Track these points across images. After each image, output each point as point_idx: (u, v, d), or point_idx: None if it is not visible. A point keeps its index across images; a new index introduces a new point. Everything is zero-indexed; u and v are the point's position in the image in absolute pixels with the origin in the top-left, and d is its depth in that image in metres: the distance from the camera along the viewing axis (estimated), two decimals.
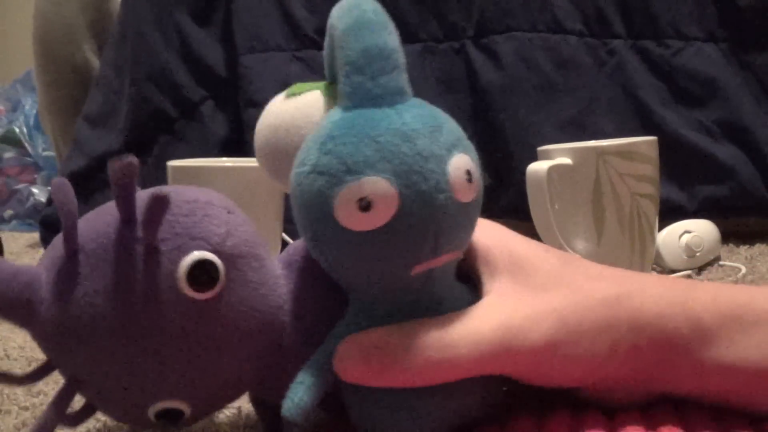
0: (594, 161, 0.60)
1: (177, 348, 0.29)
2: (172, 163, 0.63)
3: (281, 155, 0.37)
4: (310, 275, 0.33)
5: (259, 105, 0.98)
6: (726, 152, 0.85)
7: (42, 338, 0.30)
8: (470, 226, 0.30)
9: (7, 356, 0.51)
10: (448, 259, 0.29)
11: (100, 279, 0.29)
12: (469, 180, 0.29)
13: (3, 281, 0.29)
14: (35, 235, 1.07)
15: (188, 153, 0.79)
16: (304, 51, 0.89)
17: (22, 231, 1.32)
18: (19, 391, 0.43)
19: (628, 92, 0.86)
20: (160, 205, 0.28)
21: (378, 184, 0.27)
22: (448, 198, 0.28)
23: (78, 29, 1.02)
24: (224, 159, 0.70)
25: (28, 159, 1.47)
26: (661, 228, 0.69)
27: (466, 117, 0.87)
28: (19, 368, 0.48)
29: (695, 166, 0.85)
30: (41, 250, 0.95)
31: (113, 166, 0.27)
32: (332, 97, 0.35)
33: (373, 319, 0.30)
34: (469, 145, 0.30)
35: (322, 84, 0.37)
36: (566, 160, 0.61)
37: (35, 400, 0.42)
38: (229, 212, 0.34)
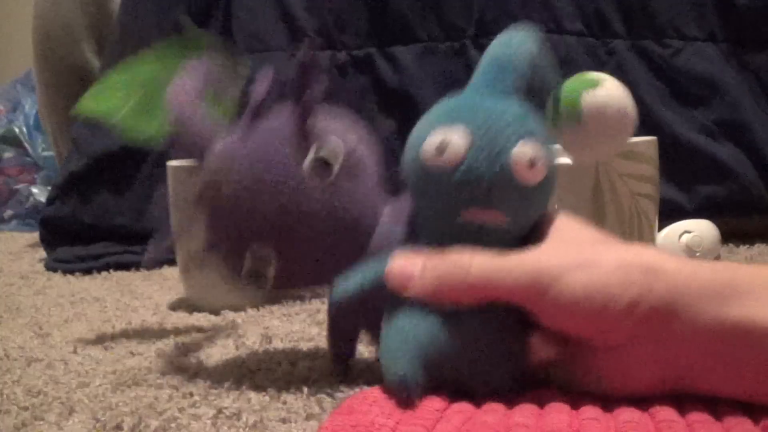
0: (594, 161, 0.60)
1: (291, 218, 0.37)
2: (172, 163, 0.63)
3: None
4: (405, 205, 0.40)
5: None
6: (726, 152, 0.85)
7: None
8: (523, 204, 0.35)
9: (7, 356, 0.51)
10: (493, 216, 0.35)
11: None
12: (531, 166, 0.35)
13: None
14: (35, 235, 1.07)
15: None
16: None
17: (22, 231, 1.32)
18: (19, 391, 0.43)
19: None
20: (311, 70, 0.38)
21: (457, 132, 0.35)
22: (507, 167, 0.34)
23: (78, 29, 1.02)
24: None
25: (28, 159, 1.47)
26: (661, 228, 0.69)
27: None
28: (19, 368, 0.48)
29: (695, 166, 0.85)
30: (41, 250, 0.95)
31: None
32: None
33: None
34: (541, 133, 0.36)
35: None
36: (566, 160, 0.61)
37: (35, 400, 0.42)
38: (361, 144, 0.42)
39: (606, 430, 0.30)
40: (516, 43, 0.40)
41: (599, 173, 0.60)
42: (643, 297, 0.32)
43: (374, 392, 0.36)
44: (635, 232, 0.61)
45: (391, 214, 0.41)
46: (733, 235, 0.83)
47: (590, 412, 0.32)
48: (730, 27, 0.86)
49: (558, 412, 0.32)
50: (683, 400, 0.32)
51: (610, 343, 0.33)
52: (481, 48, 0.88)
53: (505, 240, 0.36)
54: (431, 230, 0.37)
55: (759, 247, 0.82)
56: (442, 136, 0.35)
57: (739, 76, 0.86)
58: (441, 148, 0.35)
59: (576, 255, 0.34)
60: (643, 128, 0.84)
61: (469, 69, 0.89)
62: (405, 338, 0.35)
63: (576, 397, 0.34)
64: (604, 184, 0.60)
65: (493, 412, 0.33)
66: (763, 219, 0.86)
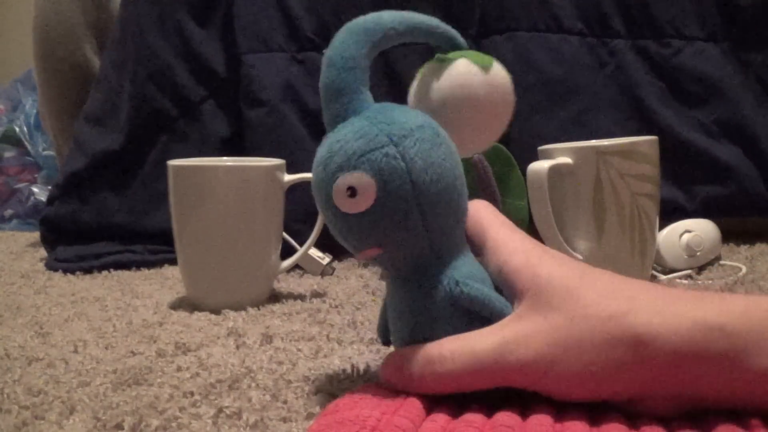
0: (594, 161, 0.60)
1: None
2: (172, 162, 0.63)
3: None
4: None
5: (262, 105, 0.99)
6: (726, 152, 0.85)
7: None
8: (366, 231, 0.36)
9: (8, 356, 0.51)
10: (369, 254, 0.37)
11: None
12: (351, 195, 0.35)
13: None
14: (35, 235, 1.07)
15: (188, 153, 0.79)
16: (304, 53, 0.89)
17: (22, 230, 1.32)
18: (19, 391, 0.43)
19: (628, 92, 0.86)
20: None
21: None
22: (334, 213, 0.36)
23: (78, 29, 1.02)
24: (224, 159, 0.70)
25: (29, 158, 1.47)
26: (661, 228, 0.69)
27: None
28: (19, 368, 0.48)
29: (695, 166, 0.85)
30: (42, 250, 0.95)
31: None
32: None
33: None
34: (378, 156, 0.35)
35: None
36: (567, 160, 0.61)
37: (36, 399, 0.42)
38: None
39: (589, 430, 0.30)
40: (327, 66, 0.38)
41: (600, 173, 0.60)
42: (637, 372, 0.30)
43: (360, 391, 0.36)
44: (636, 231, 0.61)
45: None
46: (733, 234, 0.83)
47: (573, 415, 0.32)
48: (730, 27, 0.86)
49: (542, 412, 0.32)
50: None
51: (617, 399, 0.32)
52: (482, 48, 0.88)
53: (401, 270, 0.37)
54: None
55: (759, 247, 0.82)
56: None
57: (740, 76, 0.86)
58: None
59: (560, 335, 0.31)
60: (643, 128, 0.84)
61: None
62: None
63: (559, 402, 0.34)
64: (605, 183, 0.60)
65: (479, 410, 0.33)
66: (763, 219, 0.86)
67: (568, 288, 0.32)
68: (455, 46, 0.49)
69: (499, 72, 0.51)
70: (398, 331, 0.38)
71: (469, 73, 0.46)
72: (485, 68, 0.47)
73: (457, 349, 0.33)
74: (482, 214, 0.38)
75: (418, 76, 0.55)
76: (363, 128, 0.36)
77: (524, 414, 0.33)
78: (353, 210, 0.35)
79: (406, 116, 0.37)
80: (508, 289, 0.35)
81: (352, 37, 0.39)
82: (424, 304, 0.36)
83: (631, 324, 0.30)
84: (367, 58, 0.39)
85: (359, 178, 0.35)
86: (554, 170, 0.60)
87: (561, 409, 0.33)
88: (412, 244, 0.36)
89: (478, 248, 0.38)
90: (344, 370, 0.44)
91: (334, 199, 0.36)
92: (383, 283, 0.70)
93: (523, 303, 0.33)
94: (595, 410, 0.32)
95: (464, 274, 0.36)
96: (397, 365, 0.35)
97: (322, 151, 0.37)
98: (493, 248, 0.36)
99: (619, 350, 0.30)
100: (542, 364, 0.31)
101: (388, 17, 0.41)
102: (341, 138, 0.36)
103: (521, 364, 0.32)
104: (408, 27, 0.42)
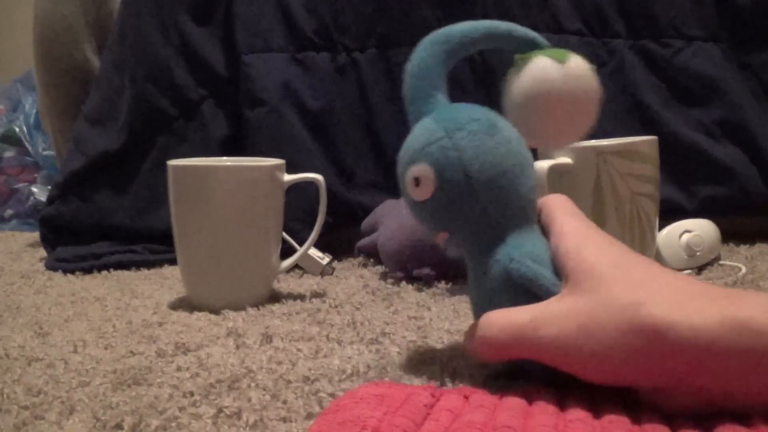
0: (594, 161, 0.60)
1: None
2: (172, 162, 0.63)
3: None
4: None
5: (263, 104, 0.99)
6: (726, 152, 0.85)
7: None
8: (434, 216, 0.41)
9: (8, 356, 0.51)
10: (442, 238, 0.42)
11: None
12: (417, 185, 0.40)
13: None
14: (35, 235, 1.07)
15: (188, 152, 0.79)
16: (304, 53, 0.89)
17: (22, 230, 1.32)
18: (19, 390, 0.43)
19: (628, 92, 0.86)
20: None
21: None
22: (409, 200, 0.42)
23: (78, 29, 1.02)
24: (224, 159, 0.70)
25: (28, 158, 1.47)
26: (661, 227, 0.69)
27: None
28: (19, 368, 0.48)
29: (695, 166, 0.85)
30: (41, 250, 0.95)
31: None
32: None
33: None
34: (436, 150, 0.40)
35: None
36: (567, 160, 0.61)
37: (35, 399, 0.42)
38: None
39: (591, 430, 0.30)
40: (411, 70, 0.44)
41: (600, 173, 0.60)
42: (655, 362, 0.31)
43: (360, 391, 0.36)
44: (636, 231, 0.61)
45: None
46: (733, 234, 0.83)
47: (576, 413, 0.32)
48: (730, 27, 0.86)
49: (544, 413, 0.32)
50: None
51: (641, 389, 0.33)
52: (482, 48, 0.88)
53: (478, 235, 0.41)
54: None
55: (759, 247, 0.82)
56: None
57: (740, 76, 0.86)
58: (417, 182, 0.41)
59: (586, 318, 0.33)
60: (644, 128, 0.84)
61: (469, 70, 0.89)
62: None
63: (562, 396, 0.34)
64: (605, 183, 0.60)
65: (481, 408, 0.33)
66: (763, 219, 0.86)
67: (602, 275, 0.34)
68: (536, 47, 0.50)
69: (577, 64, 0.50)
70: (472, 306, 0.43)
71: (545, 68, 0.47)
72: (561, 61, 0.48)
73: (498, 319, 0.37)
74: (554, 202, 0.42)
75: (506, 80, 0.55)
76: (427, 125, 0.42)
77: (526, 411, 0.33)
78: (420, 198, 0.41)
79: (465, 112, 0.42)
80: (560, 271, 0.38)
81: (426, 50, 0.44)
82: (485, 279, 0.40)
83: (649, 314, 0.31)
84: (444, 66, 0.44)
85: (421, 168, 0.40)
86: (554, 170, 0.60)
87: (564, 407, 0.33)
88: (474, 226, 0.40)
89: (547, 234, 0.41)
90: (344, 370, 0.44)
91: (407, 189, 0.41)
92: (383, 283, 0.70)
93: (567, 285, 0.36)
94: (597, 409, 0.32)
95: (522, 252, 0.39)
96: (468, 333, 0.40)
97: (401, 149, 0.43)
98: (554, 233, 0.40)
99: (637, 339, 0.31)
100: (567, 343, 0.33)
101: (461, 27, 0.46)
102: (412, 136, 0.42)
103: (548, 340, 0.34)
104: (484, 33, 0.47)
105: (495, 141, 0.40)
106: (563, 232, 0.39)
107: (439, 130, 0.41)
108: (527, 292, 0.38)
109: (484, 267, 0.41)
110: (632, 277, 0.34)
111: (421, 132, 0.41)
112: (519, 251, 0.39)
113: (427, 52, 0.44)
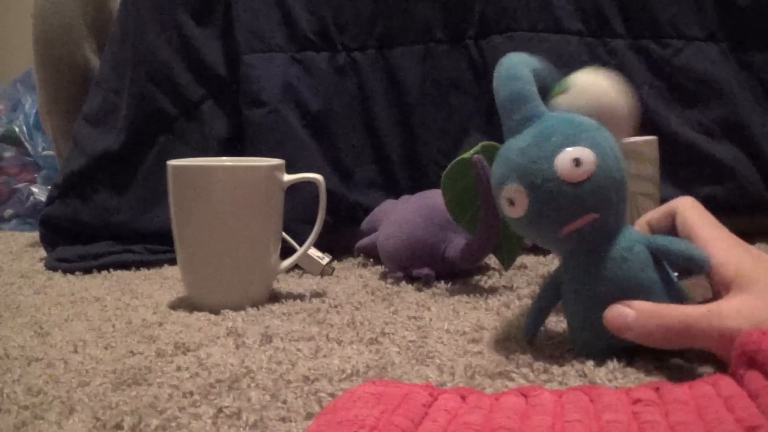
0: None
1: None
2: (172, 162, 0.63)
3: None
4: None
5: (263, 104, 0.99)
6: (726, 152, 0.85)
7: None
8: (589, 198, 0.43)
9: (7, 356, 0.51)
10: (586, 221, 0.43)
11: None
12: (577, 165, 0.42)
13: None
14: (35, 235, 1.07)
15: (188, 153, 0.79)
16: (303, 53, 0.89)
17: (22, 230, 1.32)
18: (19, 390, 0.43)
19: None
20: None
21: (516, 189, 0.43)
22: (557, 184, 0.42)
23: (78, 29, 1.02)
24: (224, 159, 0.70)
25: (28, 158, 1.47)
26: None
27: (481, 117, 0.87)
28: (19, 368, 0.48)
29: (695, 166, 0.85)
30: (41, 250, 0.95)
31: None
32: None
33: (566, 267, 0.46)
34: (589, 137, 0.43)
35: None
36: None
37: (35, 399, 0.42)
38: None
39: (589, 430, 0.30)
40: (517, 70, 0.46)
41: None
42: None
43: (358, 390, 0.36)
44: None
45: None
46: None
47: (574, 414, 0.32)
48: (730, 27, 0.86)
49: (541, 413, 0.32)
50: (669, 402, 0.32)
51: None
52: (482, 49, 0.88)
53: (605, 225, 0.44)
54: (559, 252, 0.47)
55: (759, 247, 0.81)
56: (508, 193, 0.44)
57: (739, 76, 0.86)
58: (509, 202, 0.44)
59: (755, 314, 0.39)
60: (643, 128, 0.84)
61: (470, 70, 0.89)
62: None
63: (560, 397, 0.34)
64: None
65: (478, 409, 0.33)
66: (763, 219, 0.86)
67: (759, 279, 0.40)
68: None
69: (580, 83, 0.53)
70: (583, 300, 0.45)
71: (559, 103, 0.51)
72: (565, 91, 0.52)
73: (673, 309, 0.41)
74: (690, 213, 0.46)
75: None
76: (569, 118, 0.44)
77: (524, 411, 0.33)
78: (578, 178, 0.42)
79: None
80: (713, 278, 0.43)
81: (515, 65, 0.46)
82: (609, 266, 0.43)
83: None
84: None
85: (582, 150, 0.42)
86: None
87: (561, 408, 0.33)
88: (616, 211, 0.44)
89: (679, 233, 0.46)
90: (344, 370, 0.44)
91: (559, 170, 0.42)
92: (383, 283, 0.70)
93: (732, 289, 0.41)
94: (595, 410, 0.32)
95: (646, 237, 0.45)
96: (620, 317, 0.43)
97: (524, 140, 0.44)
98: (700, 239, 0.44)
99: None
100: (730, 333, 0.38)
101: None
102: (548, 127, 0.44)
103: (714, 331, 0.39)
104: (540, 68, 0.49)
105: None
106: (714, 244, 0.43)
107: (586, 122, 0.44)
108: (671, 266, 0.45)
109: (603, 255, 0.44)
110: None
111: (563, 123, 0.44)
112: (641, 236, 0.45)
113: (515, 67, 0.46)
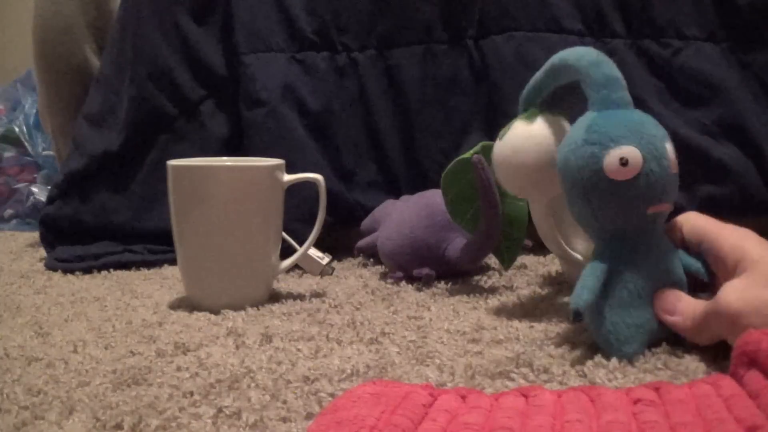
0: None
1: None
2: (172, 162, 0.63)
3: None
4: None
5: (262, 104, 0.99)
6: (726, 152, 0.84)
7: None
8: (677, 190, 0.48)
9: (7, 355, 0.51)
10: (667, 207, 0.47)
11: None
12: (624, 164, 0.45)
13: None
14: (35, 235, 1.07)
15: (188, 152, 0.79)
16: (303, 53, 0.88)
17: (22, 230, 1.32)
18: (19, 390, 0.43)
19: (628, 92, 0.85)
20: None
21: (631, 150, 0.45)
22: (668, 166, 0.46)
23: (78, 29, 1.02)
24: (224, 159, 0.70)
25: (28, 158, 1.47)
26: None
27: (481, 117, 0.87)
28: (19, 368, 0.48)
29: (695, 166, 0.85)
30: (41, 250, 0.95)
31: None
32: (530, 120, 0.56)
33: (615, 254, 0.47)
34: (635, 139, 0.46)
35: (524, 115, 0.57)
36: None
37: (35, 399, 0.42)
38: None
39: (589, 430, 0.30)
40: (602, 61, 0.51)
41: None
42: None
43: (358, 390, 0.36)
44: None
45: None
46: None
47: (574, 414, 0.32)
48: (730, 27, 0.86)
49: (541, 413, 0.32)
50: (669, 402, 0.32)
51: None
52: (482, 48, 0.88)
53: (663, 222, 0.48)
54: (612, 236, 0.48)
55: None
56: (620, 153, 0.45)
57: (739, 76, 0.86)
58: (623, 163, 0.45)
59: (738, 285, 0.42)
60: None
61: (469, 70, 0.89)
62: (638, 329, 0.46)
63: (560, 396, 0.34)
64: None
65: (478, 409, 0.33)
66: (763, 219, 0.86)
67: (764, 265, 0.42)
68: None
69: (510, 133, 0.57)
70: (640, 285, 0.47)
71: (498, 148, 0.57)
72: (501, 137, 0.57)
73: (687, 303, 0.46)
74: (697, 219, 0.50)
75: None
76: (627, 112, 0.48)
77: (524, 411, 0.33)
78: (675, 170, 0.47)
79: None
80: (726, 262, 0.45)
81: (598, 52, 0.51)
82: (661, 251, 0.48)
83: None
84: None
85: (629, 150, 0.45)
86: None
87: (561, 408, 0.33)
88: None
89: (695, 245, 0.49)
90: (344, 370, 0.44)
91: (668, 155, 0.46)
92: (383, 283, 0.70)
93: (739, 270, 0.43)
94: (595, 409, 0.32)
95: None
96: (670, 312, 0.46)
97: (638, 116, 0.48)
98: (710, 239, 0.47)
99: None
100: (735, 314, 0.41)
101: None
102: (601, 123, 0.47)
103: (720, 312, 0.42)
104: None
105: None
106: (720, 235, 0.47)
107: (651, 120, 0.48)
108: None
109: (660, 246, 0.48)
110: None
111: (647, 118, 0.48)
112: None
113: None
